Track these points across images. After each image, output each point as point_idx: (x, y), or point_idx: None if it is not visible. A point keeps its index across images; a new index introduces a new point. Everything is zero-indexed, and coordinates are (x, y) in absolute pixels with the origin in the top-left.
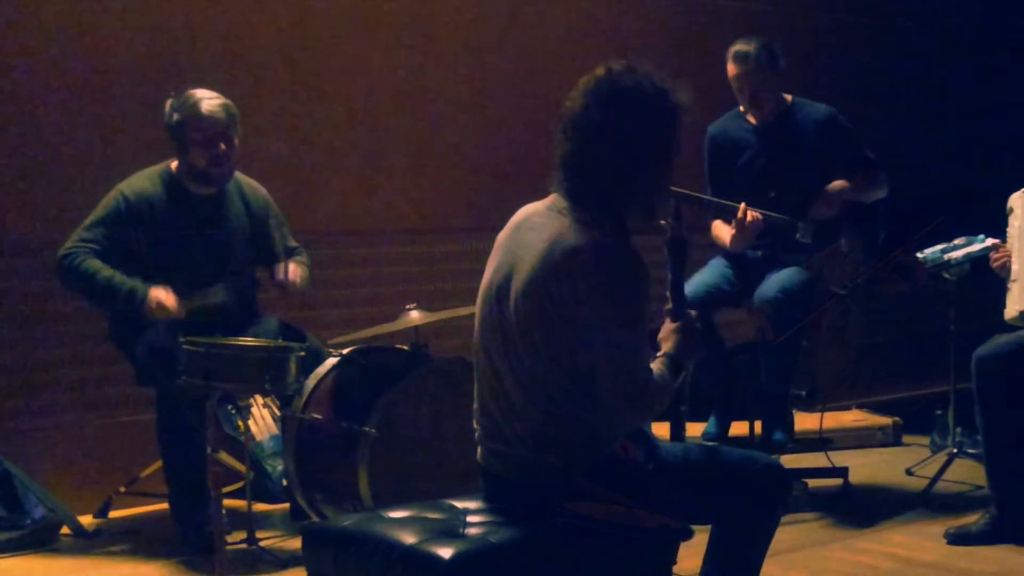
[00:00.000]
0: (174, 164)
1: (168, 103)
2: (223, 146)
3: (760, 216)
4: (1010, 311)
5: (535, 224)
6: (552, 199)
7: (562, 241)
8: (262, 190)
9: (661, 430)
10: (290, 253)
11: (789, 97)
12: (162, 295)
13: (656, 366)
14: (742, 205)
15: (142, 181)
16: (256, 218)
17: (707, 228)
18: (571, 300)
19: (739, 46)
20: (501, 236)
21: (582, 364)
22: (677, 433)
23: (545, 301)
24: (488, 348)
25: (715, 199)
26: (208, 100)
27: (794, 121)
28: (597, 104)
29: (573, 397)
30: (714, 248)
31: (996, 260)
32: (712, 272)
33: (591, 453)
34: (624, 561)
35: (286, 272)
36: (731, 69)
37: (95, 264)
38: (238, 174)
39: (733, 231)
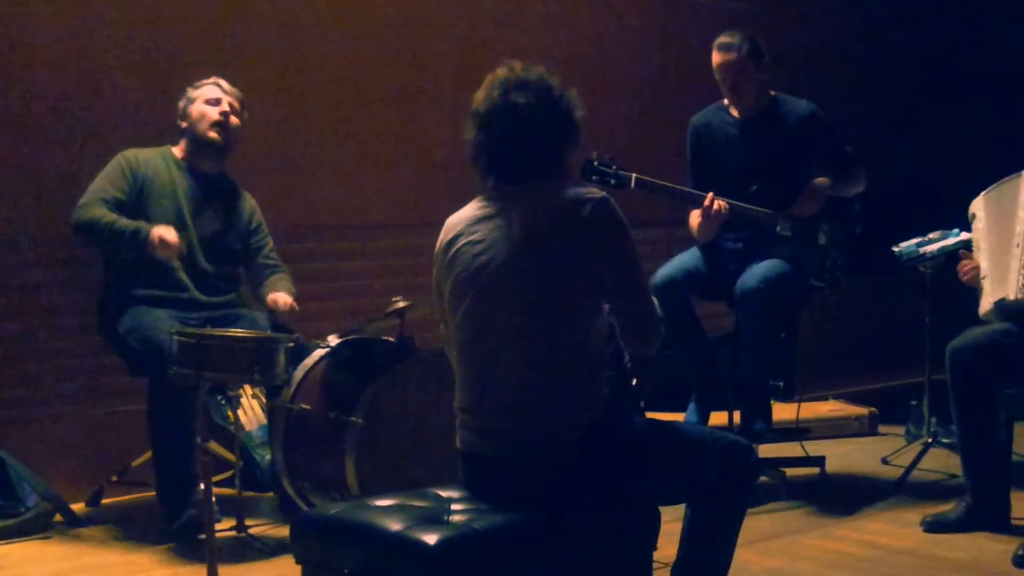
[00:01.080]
0: (174, 149)
1: (188, 88)
2: (228, 107)
3: (727, 205)
4: (984, 307)
5: (483, 216)
6: (480, 200)
7: (533, 212)
8: (252, 199)
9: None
10: (273, 269)
11: (772, 92)
12: (164, 231)
13: None
14: (709, 195)
15: (142, 151)
16: (245, 218)
17: (684, 220)
18: (573, 260)
19: (723, 37)
20: (440, 252)
21: (579, 335)
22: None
23: (538, 277)
24: (473, 336)
25: (682, 188)
26: (223, 80)
27: (776, 116)
28: (516, 92)
29: (563, 368)
30: (690, 241)
31: (964, 273)
32: (688, 256)
33: (578, 421)
34: (605, 548)
35: (276, 302)
36: (715, 58)
37: (100, 210)
38: (234, 179)
39: (699, 220)
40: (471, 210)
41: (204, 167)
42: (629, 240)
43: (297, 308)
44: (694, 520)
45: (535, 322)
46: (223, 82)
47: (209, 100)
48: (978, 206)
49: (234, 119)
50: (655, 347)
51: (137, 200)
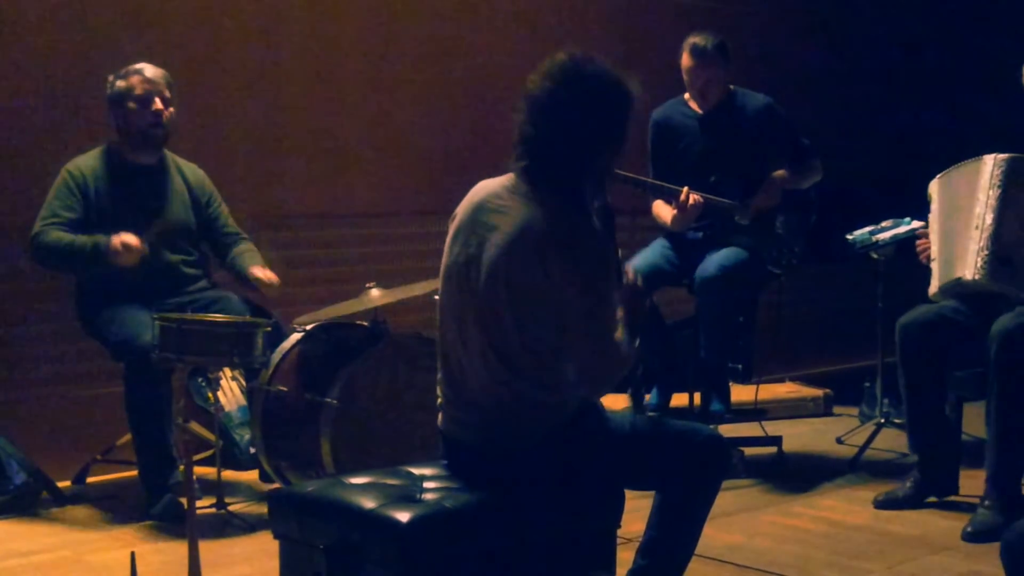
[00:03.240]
0: (112, 144)
1: (110, 77)
2: (159, 102)
3: (701, 199)
4: (933, 288)
5: (499, 207)
6: (511, 180)
7: (532, 226)
8: (200, 171)
9: (616, 402)
10: (235, 239)
11: (730, 87)
12: (124, 236)
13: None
14: (685, 189)
15: (83, 158)
16: (196, 193)
17: (649, 210)
18: (542, 279)
19: (697, 40)
20: (461, 216)
21: (551, 337)
22: (639, 405)
23: (516, 280)
24: (452, 322)
25: (659, 182)
26: (145, 66)
27: (734, 109)
28: (563, 87)
29: (533, 369)
30: (655, 229)
31: (921, 251)
32: (654, 252)
33: (548, 421)
34: (571, 524)
35: (261, 278)
36: (687, 60)
37: (57, 234)
38: (174, 156)
39: (674, 212)
40: (496, 188)
41: (143, 160)
42: (591, 266)
43: (276, 282)
44: (665, 508)
45: (508, 323)
46: (148, 69)
47: (139, 98)
48: (934, 188)
49: (167, 112)
50: (610, 386)
51: (88, 211)
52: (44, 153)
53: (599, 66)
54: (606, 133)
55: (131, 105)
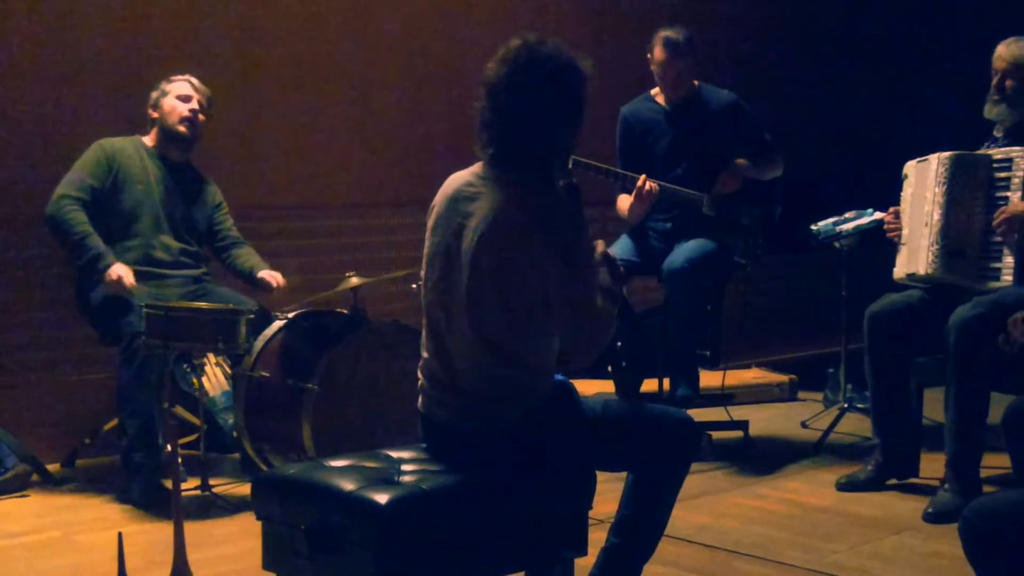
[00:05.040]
0: (145, 138)
1: (162, 82)
2: (196, 105)
3: (657, 187)
4: (899, 272)
5: (472, 194)
6: (480, 167)
7: (505, 208)
8: (215, 185)
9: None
10: (235, 241)
11: (696, 82)
12: (123, 271)
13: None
14: (642, 176)
15: (117, 139)
16: (208, 198)
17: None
18: (522, 257)
19: (670, 33)
20: (437, 207)
21: (533, 312)
22: (627, 387)
23: (497, 262)
24: (438, 310)
25: (618, 170)
26: (192, 78)
27: (700, 104)
28: (517, 71)
29: (518, 352)
30: (621, 220)
31: (889, 226)
32: (624, 244)
33: (525, 404)
34: (545, 505)
35: (269, 281)
36: (659, 54)
37: (78, 217)
38: (197, 167)
39: (631, 200)
40: (467, 177)
41: (172, 156)
42: (568, 238)
43: (283, 283)
44: (638, 488)
45: (494, 307)
46: (195, 80)
47: (180, 96)
48: (911, 169)
49: (201, 116)
50: (598, 350)
51: (112, 186)
52: (32, 148)
53: (551, 48)
54: (562, 112)
55: (172, 100)
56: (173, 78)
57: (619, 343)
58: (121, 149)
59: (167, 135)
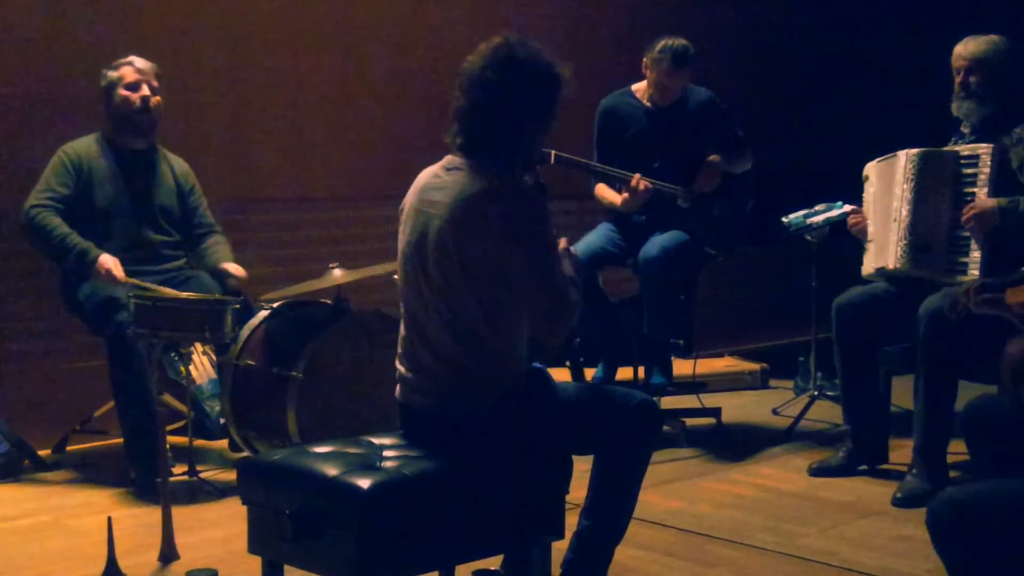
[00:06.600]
0: (104, 131)
1: (103, 70)
2: (146, 89)
3: (650, 185)
4: (866, 268)
5: (437, 184)
6: (447, 160)
7: (469, 194)
8: (185, 164)
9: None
10: (208, 229)
11: None
12: (111, 263)
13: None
14: (636, 175)
15: (77, 142)
16: (180, 181)
17: (591, 196)
18: (489, 241)
19: (676, 45)
20: (408, 200)
21: (504, 297)
22: (577, 376)
23: (465, 249)
24: (414, 300)
25: (607, 168)
26: (135, 58)
27: (679, 101)
28: (494, 67)
29: (492, 340)
30: (600, 213)
31: (854, 224)
32: (599, 235)
33: (500, 390)
34: (522, 490)
35: (231, 272)
36: (667, 66)
37: (54, 221)
38: (162, 149)
39: (625, 196)
40: (435, 170)
41: (134, 145)
42: (531, 222)
43: (244, 276)
44: (603, 470)
45: (465, 295)
46: (138, 61)
47: (129, 84)
48: (871, 170)
49: (155, 99)
50: (565, 330)
51: (82, 190)
52: (19, 143)
53: (531, 49)
54: (533, 110)
55: (121, 92)
56: (115, 63)
57: (578, 339)
58: (85, 150)
59: (126, 126)
